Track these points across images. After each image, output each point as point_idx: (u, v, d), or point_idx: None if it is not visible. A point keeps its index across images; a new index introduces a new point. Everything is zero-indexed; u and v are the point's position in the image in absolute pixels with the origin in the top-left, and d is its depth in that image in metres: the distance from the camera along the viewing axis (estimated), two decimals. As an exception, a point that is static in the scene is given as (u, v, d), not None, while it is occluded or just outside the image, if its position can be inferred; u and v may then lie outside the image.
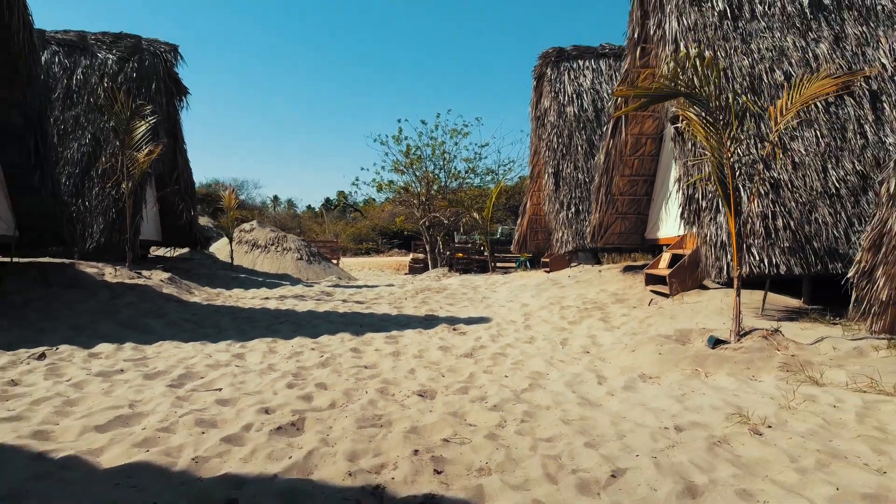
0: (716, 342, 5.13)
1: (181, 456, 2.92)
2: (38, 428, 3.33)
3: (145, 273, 10.34)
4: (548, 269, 13.42)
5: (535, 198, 14.89)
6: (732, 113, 5.03)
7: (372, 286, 13.93)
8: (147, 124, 9.59)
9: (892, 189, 3.88)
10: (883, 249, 3.91)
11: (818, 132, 6.49)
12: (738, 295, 5.23)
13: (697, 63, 4.88)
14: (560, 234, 12.07)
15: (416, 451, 2.92)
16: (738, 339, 5.08)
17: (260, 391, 4.20)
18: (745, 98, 6.03)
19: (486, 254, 20.24)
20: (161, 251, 17.85)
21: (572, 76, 13.06)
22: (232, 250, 16.50)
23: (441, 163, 24.72)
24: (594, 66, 13.19)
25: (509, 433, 3.25)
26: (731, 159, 5.08)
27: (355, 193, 57.57)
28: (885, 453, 2.75)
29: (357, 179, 43.57)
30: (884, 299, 3.92)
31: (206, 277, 12.63)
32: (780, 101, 5.28)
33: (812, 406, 3.44)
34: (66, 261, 10.20)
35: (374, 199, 43.05)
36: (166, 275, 10.39)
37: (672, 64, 5.23)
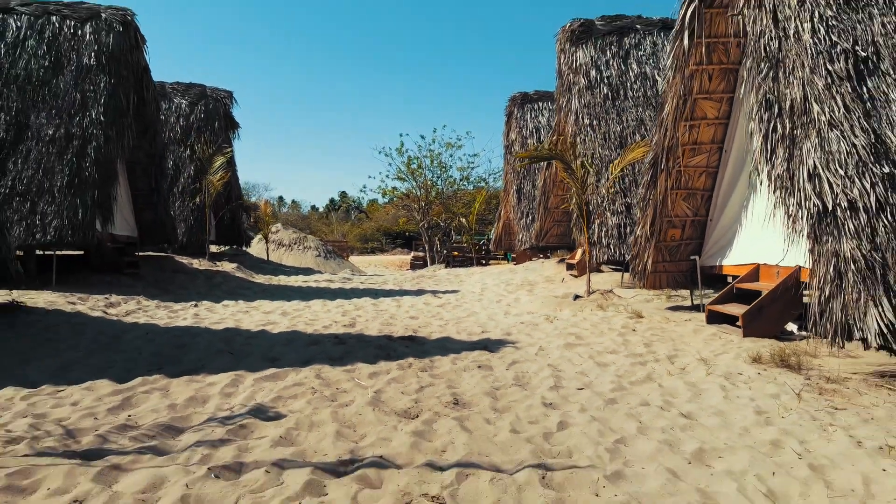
0: (576, 297, 9.15)
1: (307, 330, 6.94)
2: (232, 324, 7.34)
3: (218, 263, 14.40)
4: (515, 262, 17.45)
5: (507, 207, 18.90)
6: (585, 170, 9.04)
7: (380, 275, 17.99)
8: (225, 158, 13.67)
9: (641, 213, 7.86)
10: (635, 246, 7.90)
11: (659, 173, 10.47)
12: (589, 273, 9.27)
13: (561, 142, 8.90)
14: (520, 236, 16.08)
15: (406, 328, 6.95)
16: (588, 296, 9.10)
17: (327, 317, 8.21)
18: (588, 158, 9.96)
19: (482, 252, 24.25)
20: (212, 248, 21.91)
21: (533, 115, 17.08)
22: (267, 248, 20.55)
23: (438, 172, 28.79)
24: (550, 108, 17.17)
25: (448, 327, 7.27)
26: (585, 197, 9.10)
27: (362, 198, 61.64)
28: (596, 326, 6.76)
29: (364, 187, 47.87)
30: (639, 269, 7.91)
31: (254, 268, 16.66)
32: (615, 161, 9.30)
33: (586, 315, 7.48)
34: (164, 254, 14.27)
35: (376, 201, 47.22)
36: (234, 265, 14.44)
37: (558, 138, 9.24)
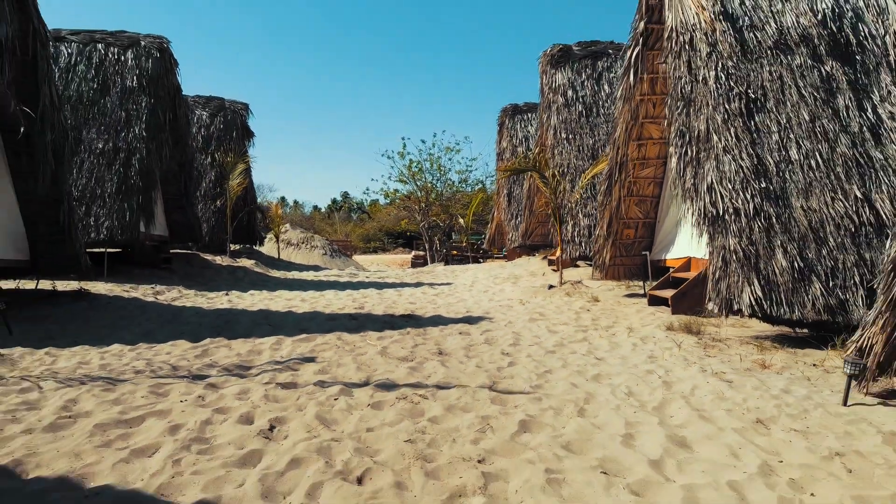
0: (550, 287, 10.75)
1: (325, 311, 8.55)
2: (263, 307, 8.96)
3: (238, 260, 16.02)
4: (506, 260, 19.07)
5: (499, 209, 20.51)
6: (557, 179, 10.65)
7: (383, 272, 19.61)
8: (245, 165, 15.30)
9: (600, 216, 9.45)
10: (597, 244, 9.50)
11: (625, 181, 12.06)
12: (561, 268, 10.87)
13: (537, 155, 10.51)
14: (511, 236, 17.70)
15: (405, 310, 8.57)
16: (560, 286, 10.71)
17: (340, 302, 9.82)
18: (564, 168, 11.59)
19: (479, 250, 25.87)
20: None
21: (522, 125, 18.68)
22: (279, 247, 22.18)
23: (438, 174, 30.42)
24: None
25: (440, 309, 8.88)
26: (559, 202, 10.71)
27: (365, 199, 63.35)
28: (559, 308, 8.37)
29: (367, 189, 49.94)
30: (599, 263, 9.52)
31: (269, 264, 18.29)
32: (584, 172, 10.91)
33: (554, 300, 9.10)
34: (189, 251, 15.89)
35: (378, 202, 48.91)
36: (252, 261, 16.07)
37: (541, 149, 10.85)
